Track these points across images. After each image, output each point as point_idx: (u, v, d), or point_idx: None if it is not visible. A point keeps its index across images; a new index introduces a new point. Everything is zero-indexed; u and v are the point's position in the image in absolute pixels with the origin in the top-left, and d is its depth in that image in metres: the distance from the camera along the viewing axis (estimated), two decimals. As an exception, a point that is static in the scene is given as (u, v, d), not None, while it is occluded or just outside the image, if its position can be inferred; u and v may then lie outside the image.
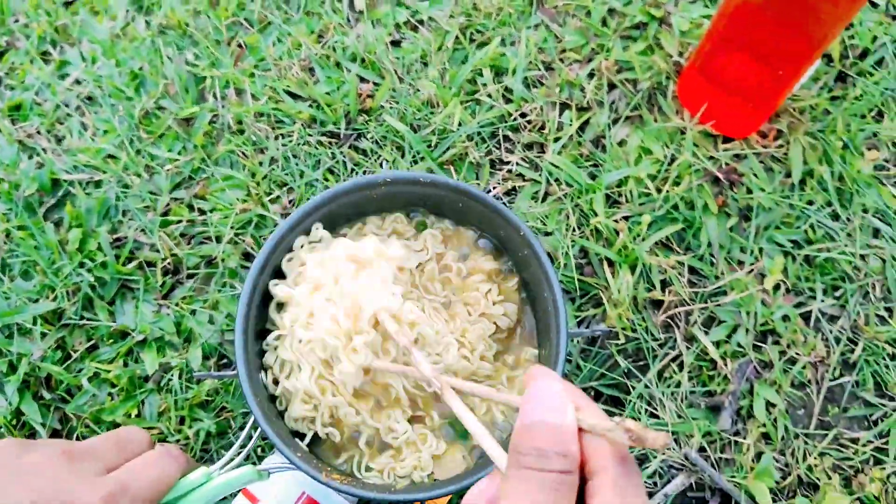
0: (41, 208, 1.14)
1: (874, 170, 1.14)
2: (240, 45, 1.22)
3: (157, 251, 1.11)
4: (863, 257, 1.11)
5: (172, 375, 1.05)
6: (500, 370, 0.81)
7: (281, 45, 1.22)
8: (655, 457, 1.02)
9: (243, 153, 1.15)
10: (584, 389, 1.06)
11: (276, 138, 1.16)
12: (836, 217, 1.12)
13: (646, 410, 1.04)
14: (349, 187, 0.77)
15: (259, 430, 0.73)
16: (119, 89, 1.19)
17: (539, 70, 1.19)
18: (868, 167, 1.13)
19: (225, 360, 1.07)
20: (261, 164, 1.15)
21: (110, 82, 1.19)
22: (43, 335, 1.07)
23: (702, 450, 1.04)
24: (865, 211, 1.12)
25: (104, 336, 1.07)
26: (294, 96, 1.19)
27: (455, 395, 0.50)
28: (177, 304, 1.09)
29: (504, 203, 1.06)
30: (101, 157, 1.15)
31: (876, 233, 1.12)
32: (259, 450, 1.01)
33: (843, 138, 1.14)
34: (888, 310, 1.09)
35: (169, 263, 1.11)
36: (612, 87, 1.19)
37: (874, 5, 1.24)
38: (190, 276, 1.11)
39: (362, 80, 1.19)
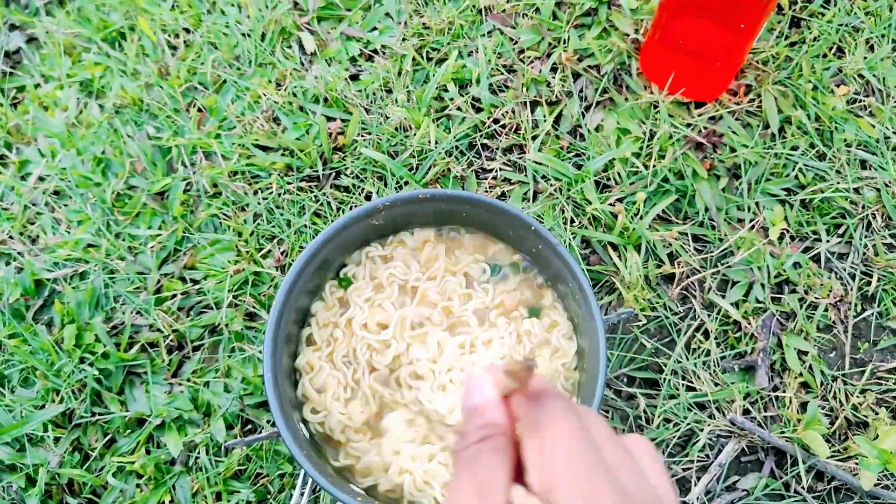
0: (29, 312, 1.13)
1: (847, 104, 1.18)
2: (199, 109, 1.23)
3: (159, 330, 1.10)
4: (857, 191, 1.14)
5: (199, 452, 1.03)
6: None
7: (240, 102, 1.23)
8: (702, 430, 1.03)
9: (225, 215, 1.15)
10: (616, 378, 1.07)
11: (255, 193, 1.16)
12: (822, 157, 1.16)
13: (683, 385, 1.05)
14: (348, 220, 0.77)
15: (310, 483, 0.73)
16: (85, 177, 1.19)
17: (502, 74, 1.21)
18: (841, 103, 1.17)
19: (250, 426, 1.06)
20: (245, 221, 1.15)
21: (75, 172, 1.19)
22: (56, 440, 1.05)
23: (746, 412, 1.05)
24: (849, 146, 1.16)
25: (120, 428, 1.05)
26: (265, 149, 1.20)
27: None
28: (188, 380, 1.08)
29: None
30: (81, 247, 1.15)
31: (863, 164, 1.16)
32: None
33: (810, 80, 1.18)
34: (893, 236, 1.12)
35: (172, 340, 1.10)
36: (576, 76, 1.22)
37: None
38: (196, 349, 1.10)
39: (329, 119, 1.21)
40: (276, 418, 0.70)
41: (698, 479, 1.02)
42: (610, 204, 1.11)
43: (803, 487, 1.02)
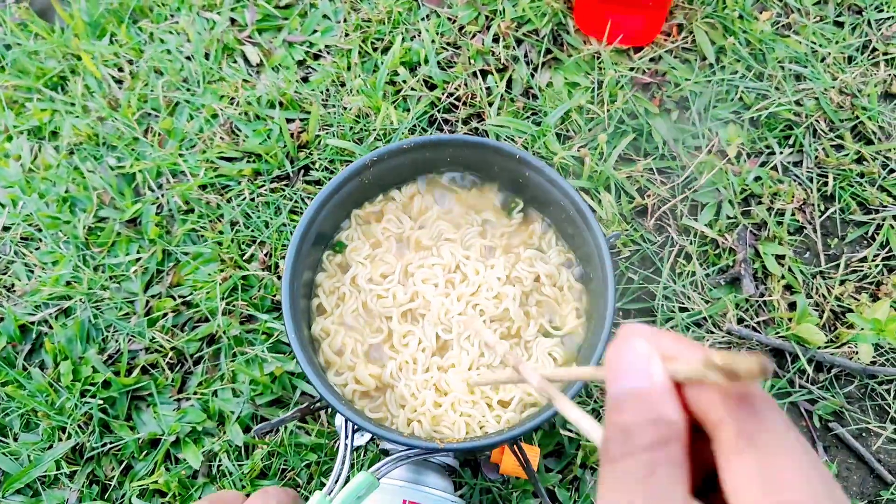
0: (19, 358, 1.12)
1: (773, 27, 1.28)
2: (157, 134, 1.26)
3: (157, 350, 1.11)
4: (798, 103, 1.23)
5: (220, 460, 1.04)
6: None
7: (196, 120, 1.26)
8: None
9: (202, 227, 1.17)
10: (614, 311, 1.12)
11: (228, 202, 1.19)
12: (760, 77, 1.25)
13: (678, 307, 1.11)
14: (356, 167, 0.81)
15: (352, 436, 0.76)
16: (53, 217, 1.20)
17: (448, 51, 1.28)
18: (767, 26, 1.27)
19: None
20: (222, 232, 1.17)
21: (41, 214, 1.20)
22: (71, 476, 1.04)
23: (740, 321, 1.11)
24: (782, 64, 1.25)
25: (134, 452, 1.05)
26: (230, 160, 1.23)
27: (567, 400, 0.46)
28: (195, 393, 1.09)
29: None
30: (62, 285, 1.15)
31: (798, 78, 1.25)
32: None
33: (735, 9, 1.28)
34: (839, 137, 1.21)
35: (171, 358, 1.11)
36: (519, 42, 1.29)
37: None
38: (197, 363, 1.12)
39: (289, 120, 1.25)
40: (310, 376, 0.72)
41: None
42: (575, 151, 1.18)
43: (807, 380, 1.08)
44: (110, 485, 1.04)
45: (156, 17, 1.38)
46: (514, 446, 0.90)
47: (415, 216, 0.88)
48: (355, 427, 0.77)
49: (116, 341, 1.12)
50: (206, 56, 1.32)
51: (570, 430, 1.04)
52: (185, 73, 1.31)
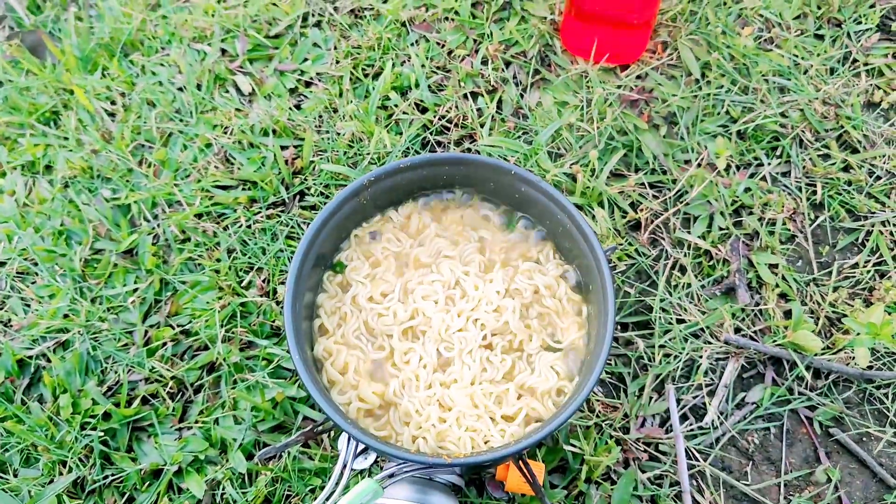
0: (17, 393, 1.12)
1: (755, 42, 1.31)
2: (151, 165, 1.27)
3: (157, 380, 1.11)
4: (783, 114, 1.26)
5: (224, 488, 1.04)
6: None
7: (190, 150, 1.27)
8: (701, 357, 1.10)
9: (199, 256, 1.18)
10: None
11: (225, 229, 1.20)
12: (745, 91, 1.27)
13: (675, 319, 1.13)
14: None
15: (354, 445, 0.76)
16: (49, 251, 1.21)
17: (438, 74, 1.30)
18: (749, 41, 1.29)
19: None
20: (219, 260, 1.18)
21: (36, 248, 1.20)
22: (73, 510, 1.04)
23: (737, 331, 1.12)
24: (766, 77, 1.28)
25: (137, 483, 1.05)
26: (225, 188, 1.24)
27: None
28: (196, 422, 1.09)
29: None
30: (59, 318, 1.15)
31: (782, 90, 1.28)
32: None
33: (718, 26, 1.31)
34: (825, 147, 1.24)
35: (171, 388, 1.11)
36: (507, 64, 1.31)
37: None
38: (197, 391, 1.12)
39: (283, 147, 1.26)
40: (315, 395, 0.73)
41: (708, 403, 1.09)
42: (567, 168, 1.19)
43: (806, 387, 1.09)
44: (113, 517, 1.04)
45: (147, 51, 1.40)
46: (520, 461, 0.91)
47: (413, 235, 0.89)
48: (358, 449, 0.78)
49: (116, 372, 1.12)
50: (199, 87, 1.34)
51: (575, 445, 1.05)
52: (178, 105, 1.32)
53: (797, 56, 1.29)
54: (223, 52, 1.38)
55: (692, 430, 1.08)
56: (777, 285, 1.14)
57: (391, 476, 0.78)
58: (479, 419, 0.79)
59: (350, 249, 0.88)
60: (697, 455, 1.06)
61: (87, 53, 1.40)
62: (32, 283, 1.20)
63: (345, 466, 0.77)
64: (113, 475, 1.06)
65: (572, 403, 0.75)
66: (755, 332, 1.12)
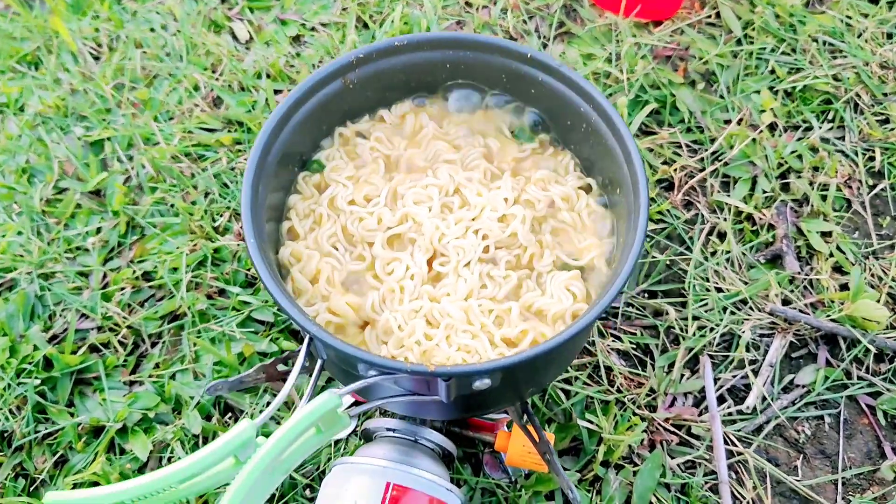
0: (-50, 335, 0.98)
1: (803, 5, 1.19)
2: (132, 104, 1.15)
3: (111, 329, 0.96)
4: (835, 77, 1.12)
5: (173, 451, 0.88)
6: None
7: (176, 91, 1.16)
8: (742, 330, 0.94)
9: (172, 198, 1.05)
10: (637, 295, 0.98)
11: (204, 170, 1.07)
12: (793, 51, 1.14)
13: (713, 287, 0.97)
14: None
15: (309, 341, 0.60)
16: (9, 188, 1.08)
17: (451, 21, 1.18)
18: (796, 1, 1.17)
19: (231, 414, 0.91)
20: (194, 203, 1.05)
21: (-4, 183, 1.08)
22: (-6, 467, 0.88)
23: (785, 303, 0.96)
24: (815, 39, 1.15)
25: (73, 441, 0.89)
26: (209, 130, 1.12)
27: None
28: (150, 376, 0.93)
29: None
30: (9, 258, 1.02)
31: (834, 52, 1.14)
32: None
33: (762, -17, 1.19)
34: (883, 110, 1.10)
35: (125, 337, 0.96)
36: (530, 16, 1.19)
37: None
38: (155, 344, 0.97)
39: (276, 91, 1.14)
40: (268, 286, 0.58)
41: (751, 384, 0.92)
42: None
43: (867, 371, 0.92)
44: (39, 478, 0.87)
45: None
46: (525, 416, 0.74)
47: (408, 137, 0.75)
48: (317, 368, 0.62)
49: (65, 318, 0.98)
50: (193, 31, 1.23)
51: (591, 421, 0.88)
52: (168, 49, 1.21)
53: (850, 18, 1.16)
54: (222, 1, 1.28)
55: (731, 413, 0.91)
56: (831, 254, 0.99)
57: (356, 404, 0.62)
58: (474, 337, 0.64)
59: (332, 148, 0.74)
60: (737, 442, 0.88)
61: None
62: (-13, 222, 1.07)
63: (300, 368, 0.61)
64: (47, 431, 0.90)
65: (612, 286, 0.59)
66: (806, 305, 0.96)
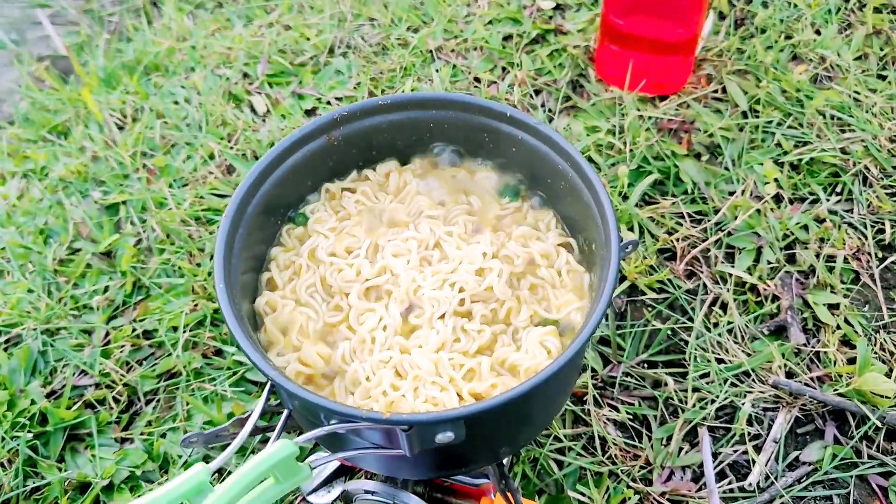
0: (-46, 388, 0.99)
1: (810, 80, 1.19)
2: (148, 171, 1.19)
3: (108, 386, 0.97)
4: (843, 150, 1.11)
5: (155, 509, 0.87)
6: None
7: (192, 160, 1.20)
8: (744, 402, 0.91)
9: (179, 259, 1.07)
10: (637, 365, 0.95)
11: (211, 234, 1.09)
12: (799, 125, 1.14)
13: (713, 359, 0.94)
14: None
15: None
16: (25, 247, 1.12)
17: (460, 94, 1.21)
18: (804, 76, 1.18)
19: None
20: (199, 264, 1.07)
21: (13, 243, 1.12)
22: (-21, 521, 0.88)
23: (790, 375, 0.93)
24: (822, 113, 1.15)
25: (58, 497, 0.89)
26: (221, 196, 1.15)
27: None
28: (141, 434, 0.93)
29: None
30: (19, 312, 1.04)
31: (842, 127, 1.14)
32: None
33: (766, 61, 1.20)
34: (892, 182, 1.08)
35: (120, 394, 0.97)
36: (537, 91, 1.22)
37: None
38: (149, 402, 0.97)
39: (286, 159, 1.17)
40: (230, 324, 0.59)
41: (753, 460, 0.88)
42: (592, 189, 1.06)
43: (877, 449, 0.88)
44: (23, 534, 0.87)
45: (168, 74, 1.36)
46: (503, 482, 0.72)
47: (392, 192, 0.76)
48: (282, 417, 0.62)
49: (63, 374, 0.99)
50: (213, 104, 1.28)
51: (583, 494, 0.85)
52: (189, 119, 1.26)
53: (858, 93, 1.16)
54: (245, 75, 1.34)
55: (731, 490, 0.87)
56: (838, 327, 0.96)
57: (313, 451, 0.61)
58: (442, 390, 0.62)
59: (317, 202, 0.75)
60: (738, 521, 0.84)
61: (110, 73, 1.38)
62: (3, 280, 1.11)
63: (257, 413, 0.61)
64: (35, 485, 0.90)
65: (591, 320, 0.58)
66: (812, 378, 0.93)
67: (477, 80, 1.25)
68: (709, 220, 1.05)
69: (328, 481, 0.88)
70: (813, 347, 0.95)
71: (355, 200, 0.75)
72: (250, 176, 0.69)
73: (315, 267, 0.71)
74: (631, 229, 1.04)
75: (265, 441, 0.81)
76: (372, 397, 0.63)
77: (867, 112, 1.15)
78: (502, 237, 0.72)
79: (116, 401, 0.96)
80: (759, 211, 1.05)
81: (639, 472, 0.87)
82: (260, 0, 1.51)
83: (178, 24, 1.47)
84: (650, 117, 1.15)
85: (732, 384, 0.93)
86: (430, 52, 1.29)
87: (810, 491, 0.87)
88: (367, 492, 0.76)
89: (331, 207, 0.75)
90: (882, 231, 1.04)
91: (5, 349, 1.02)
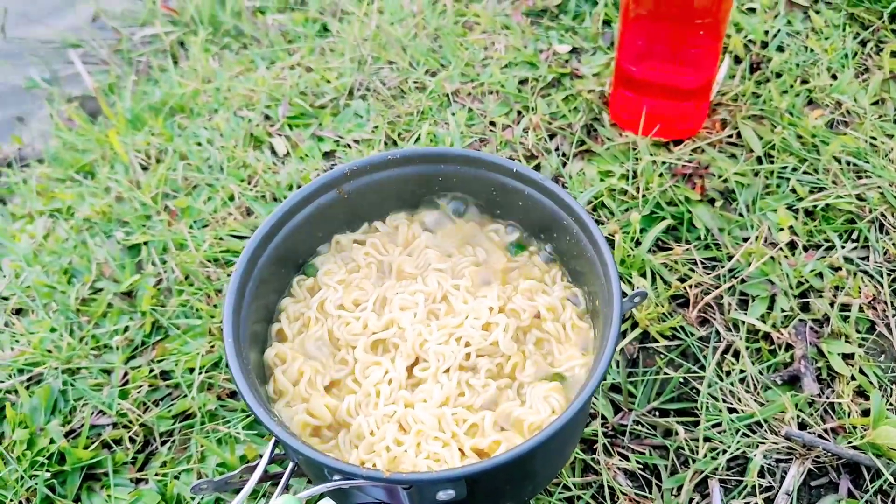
0: (-22, 427, 1.02)
1: (826, 124, 1.19)
2: (170, 212, 1.22)
3: (125, 427, 0.99)
4: (859, 197, 1.11)
5: (168, 552, 0.88)
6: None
7: (213, 202, 1.23)
8: (755, 454, 0.90)
9: (198, 301, 1.09)
10: (648, 413, 0.95)
11: (230, 275, 1.11)
12: (815, 170, 1.14)
13: (725, 408, 0.94)
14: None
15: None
16: (49, 286, 1.15)
17: (474, 138, 1.23)
18: (820, 121, 1.18)
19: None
20: (216, 306, 1.09)
21: (38, 283, 1.15)
22: (-3, 560, 0.90)
23: (802, 427, 0.92)
24: (838, 159, 1.15)
25: (74, 538, 0.91)
26: (240, 238, 1.17)
27: None
28: (156, 474, 0.95)
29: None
30: (40, 353, 1.07)
31: (858, 171, 1.14)
32: None
33: (782, 107, 1.20)
34: (911, 231, 1.07)
35: (136, 434, 0.99)
36: (551, 135, 1.23)
37: (752, 9, 1.38)
38: (164, 443, 0.99)
39: (304, 201, 1.19)
40: (235, 374, 0.60)
41: (766, 513, 0.87)
42: (607, 235, 1.07)
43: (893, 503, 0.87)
44: (38, 574, 0.89)
45: (193, 115, 1.40)
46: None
47: (401, 245, 0.78)
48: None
49: (82, 414, 1.01)
50: (234, 146, 1.31)
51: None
52: (211, 161, 1.29)
53: (874, 139, 1.16)
54: (266, 117, 1.37)
55: (743, 544, 0.86)
56: (853, 377, 0.95)
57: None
58: (444, 446, 0.63)
59: (327, 253, 0.77)
60: (749, 576, 0.83)
61: (136, 115, 1.42)
62: (25, 320, 1.14)
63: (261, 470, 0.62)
64: (51, 525, 0.92)
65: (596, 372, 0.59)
66: (825, 430, 0.92)
67: (492, 123, 1.27)
68: (722, 267, 1.05)
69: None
70: (827, 398, 0.94)
71: (364, 252, 0.76)
72: (262, 228, 0.71)
73: (323, 319, 0.72)
74: (643, 275, 1.05)
75: (276, 484, 0.82)
76: (375, 452, 0.64)
77: (884, 158, 1.14)
78: (509, 290, 0.73)
79: (133, 441, 0.98)
80: (773, 258, 1.05)
81: (648, 523, 0.87)
82: (283, 42, 1.54)
83: (203, 65, 1.51)
84: (664, 162, 1.15)
85: (744, 434, 0.92)
86: (447, 95, 1.32)
87: (823, 546, 0.85)
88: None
89: (341, 259, 0.77)
90: (898, 279, 1.03)
91: (27, 387, 1.05)
